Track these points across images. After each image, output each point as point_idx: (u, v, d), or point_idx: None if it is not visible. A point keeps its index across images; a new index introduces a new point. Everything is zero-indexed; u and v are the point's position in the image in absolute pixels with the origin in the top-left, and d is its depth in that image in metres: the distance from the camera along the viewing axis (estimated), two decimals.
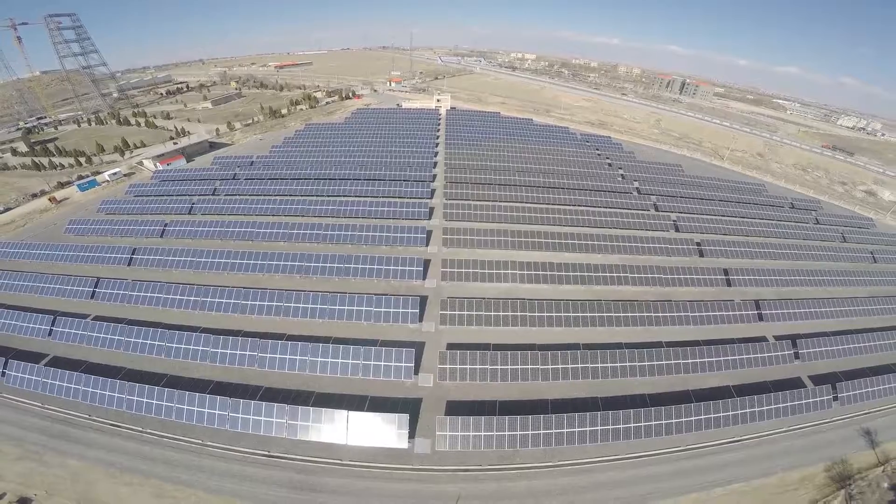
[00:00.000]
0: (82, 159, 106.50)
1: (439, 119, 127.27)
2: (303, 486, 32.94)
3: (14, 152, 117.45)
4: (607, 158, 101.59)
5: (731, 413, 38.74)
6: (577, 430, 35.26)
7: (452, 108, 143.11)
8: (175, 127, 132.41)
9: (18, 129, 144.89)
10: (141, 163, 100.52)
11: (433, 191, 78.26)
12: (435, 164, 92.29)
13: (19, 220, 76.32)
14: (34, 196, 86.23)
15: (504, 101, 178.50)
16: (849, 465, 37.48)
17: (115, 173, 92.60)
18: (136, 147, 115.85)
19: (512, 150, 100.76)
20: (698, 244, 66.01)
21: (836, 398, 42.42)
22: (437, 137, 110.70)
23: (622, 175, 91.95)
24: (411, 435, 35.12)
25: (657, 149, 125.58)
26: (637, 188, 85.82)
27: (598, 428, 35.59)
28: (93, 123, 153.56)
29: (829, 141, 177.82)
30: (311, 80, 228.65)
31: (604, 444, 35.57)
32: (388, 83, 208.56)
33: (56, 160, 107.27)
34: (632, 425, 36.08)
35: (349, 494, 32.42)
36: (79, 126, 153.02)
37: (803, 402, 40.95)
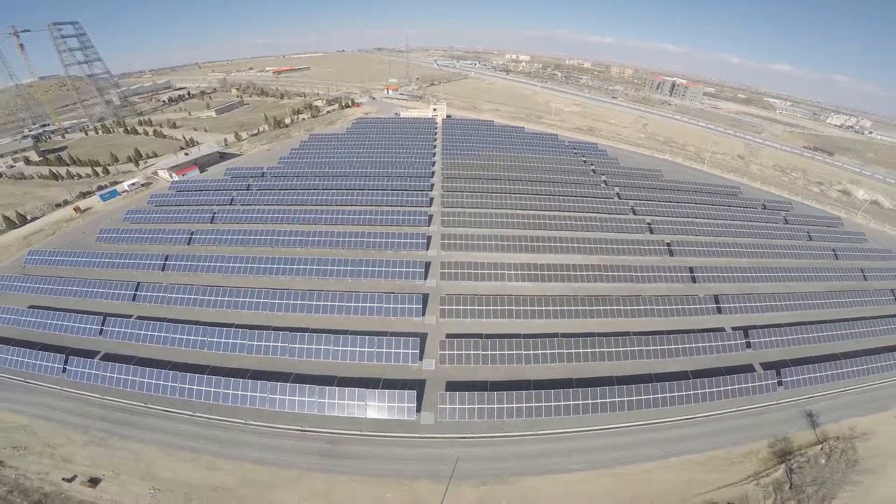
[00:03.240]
0: (98, 169, 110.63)
1: (436, 128, 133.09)
2: (331, 454, 39.45)
3: (27, 161, 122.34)
4: (592, 165, 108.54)
5: (685, 393, 44.63)
6: (553, 404, 42.30)
7: (448, 117, 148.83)
8: (183, 136, 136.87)
9: (25, 137, 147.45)
10: (156, 173, 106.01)
11: (432, 199, 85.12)
12: (433, 173, 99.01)
13: (47, 228, 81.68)
14: (58, 206, 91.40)
15: (497, 108, 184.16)
16: (790, 442, 41.76)
17: (133, 183, 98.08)
18: (149, 157, 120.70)
19: (504, 159, 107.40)
20: (668, 245, 72.67)
21: (780, 383, 47.49)
22: (434, 147, 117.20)
23: (605, 181, 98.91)
24: (418, 409, 42.08)
25: (641, 154, 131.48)
26: (618, 193, 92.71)
27: (571, 402, 42.57)
28: (99, 132, 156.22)
29: (815, 141, 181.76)
30: (311, 87, 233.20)
31: (576, 417, 42.42)
32: (385, 90, 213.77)
33: (72, 170, 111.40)
34: (599, 401, 42.98)
35: (369, 459, 39.17)
36: (86, 134, 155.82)
37: (751, 385, 46.26)
